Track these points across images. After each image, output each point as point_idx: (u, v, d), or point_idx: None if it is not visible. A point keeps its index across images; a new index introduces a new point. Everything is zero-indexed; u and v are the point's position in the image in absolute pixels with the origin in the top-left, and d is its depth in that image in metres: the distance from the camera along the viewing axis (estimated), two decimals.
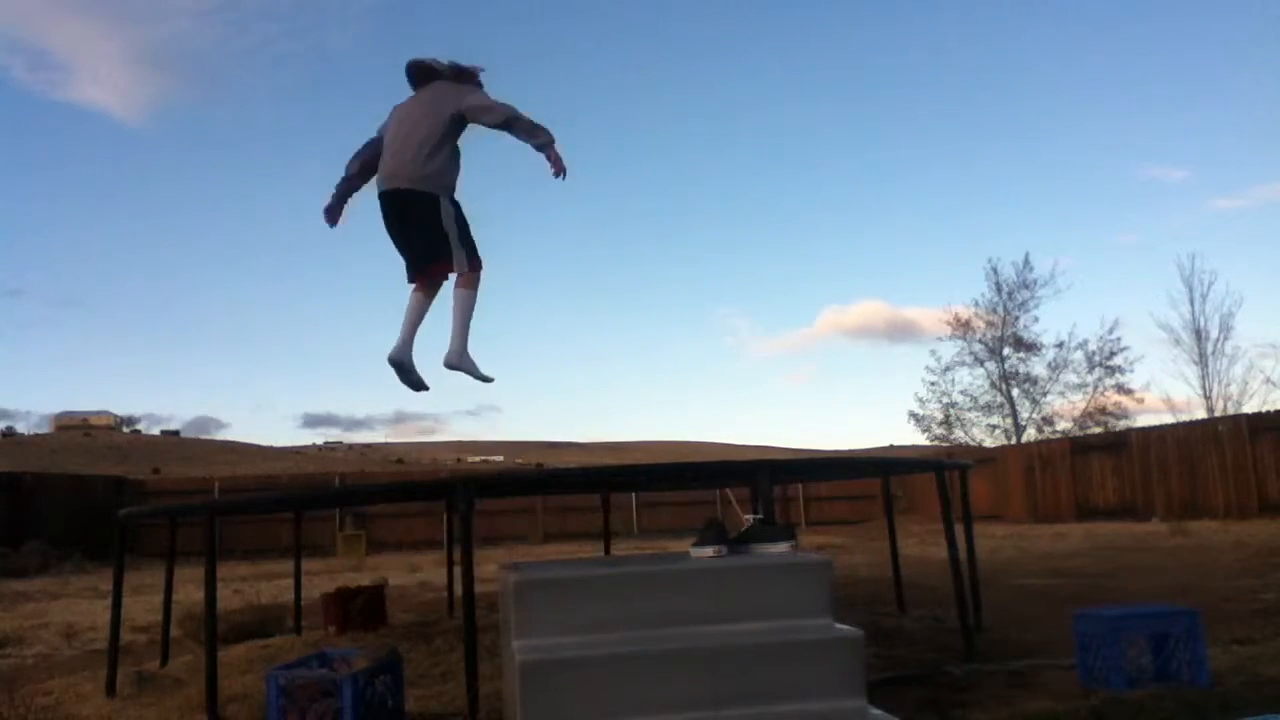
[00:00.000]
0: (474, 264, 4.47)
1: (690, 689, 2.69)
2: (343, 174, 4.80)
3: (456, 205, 4.52)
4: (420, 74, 4.68)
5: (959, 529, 4.87)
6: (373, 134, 4.80)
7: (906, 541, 9.48)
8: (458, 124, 4.51)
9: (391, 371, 4.55)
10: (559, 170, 4.40)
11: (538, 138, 4.39)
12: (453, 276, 4.52)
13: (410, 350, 4.53)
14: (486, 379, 4.58)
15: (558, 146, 4.41)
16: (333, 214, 4.83)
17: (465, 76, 4.63)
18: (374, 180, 4.63)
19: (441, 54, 4.71)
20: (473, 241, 4.53)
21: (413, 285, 4.57)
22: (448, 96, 4.51)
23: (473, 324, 4.70)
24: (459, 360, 4.44)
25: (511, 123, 4.42)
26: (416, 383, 4.58)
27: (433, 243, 4.43)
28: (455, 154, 4.56)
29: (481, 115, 4.45)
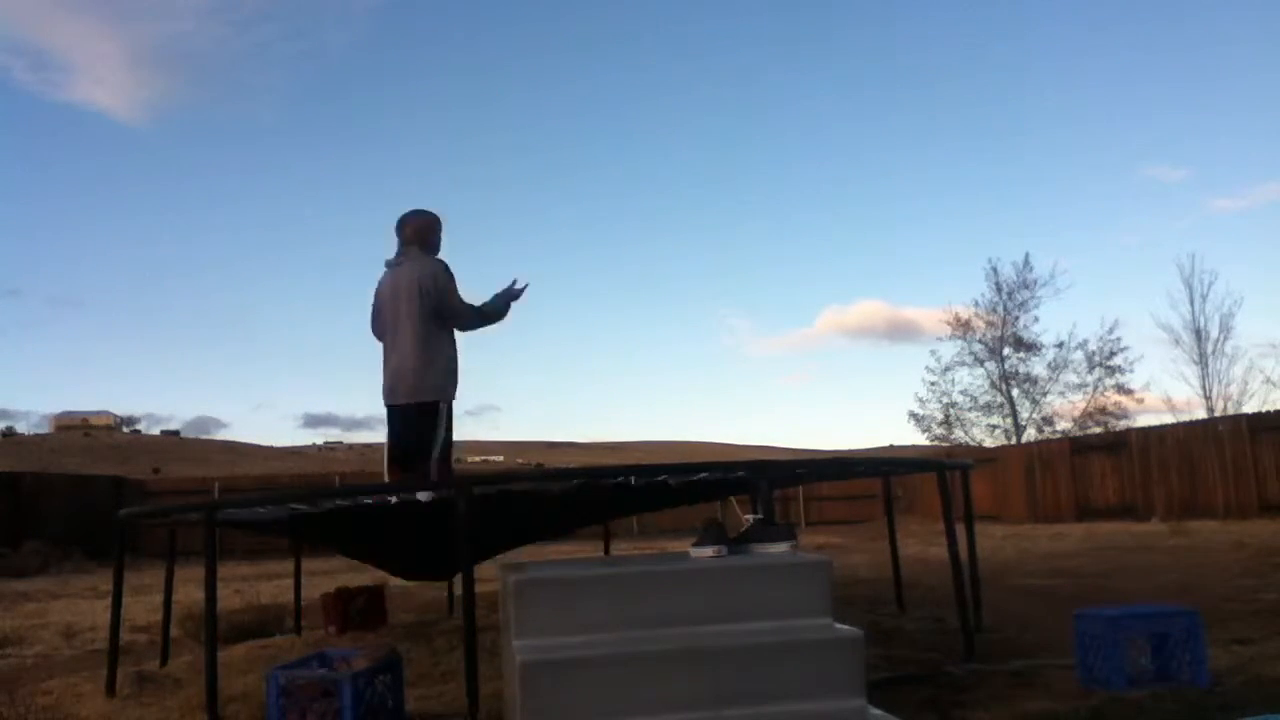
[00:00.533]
0: (441, 474, 4.56)
1: (690, 689, 2.69)
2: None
3: (450, 412, 4.69)
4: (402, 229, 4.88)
5: (960, 529, 4.87)
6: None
7: (906, 541, 9.47)
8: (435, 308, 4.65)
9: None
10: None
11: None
12: None
13: None
14: None
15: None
16: None
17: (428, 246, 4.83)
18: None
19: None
20: (449, 453, 4.68)
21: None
22: (415, 272, 4.67)
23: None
24: None
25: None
26: None
27: (420, 446, 4.60)
28: (448, 341, 4.75)
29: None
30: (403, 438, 4.65)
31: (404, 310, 4.63)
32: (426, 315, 4.61)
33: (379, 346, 4.86)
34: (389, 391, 4.70)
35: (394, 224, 4.85)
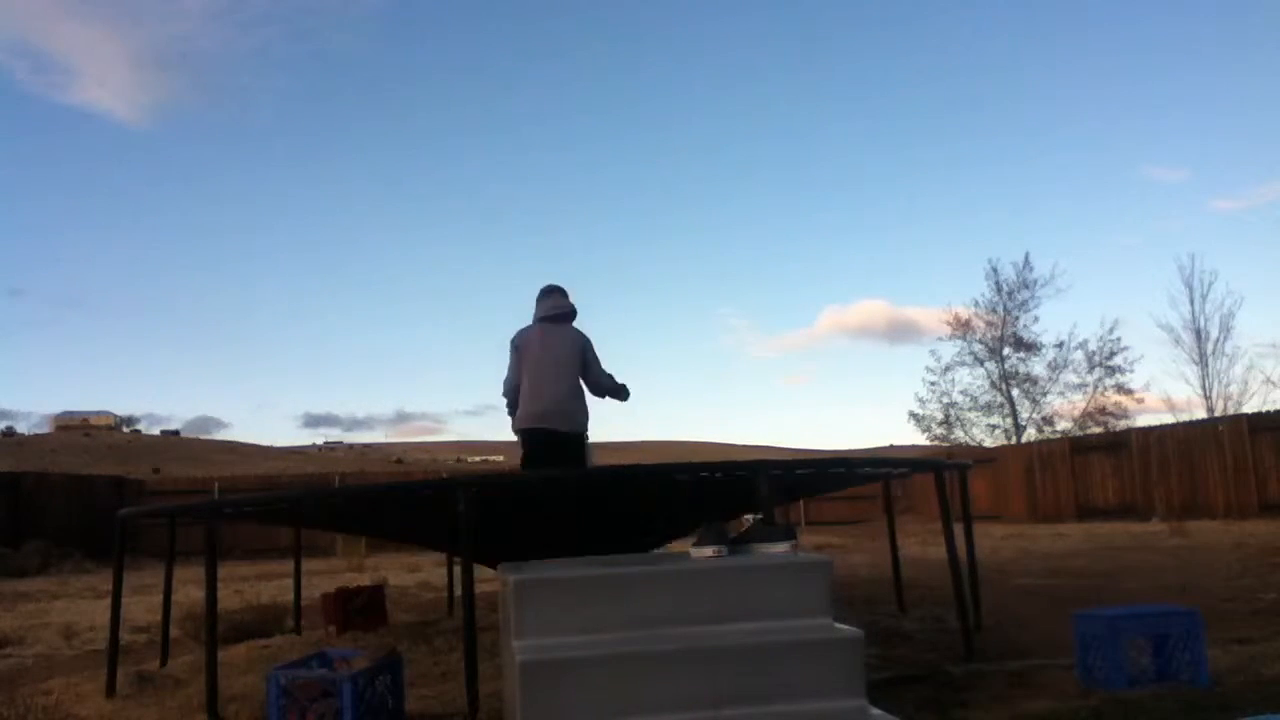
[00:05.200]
0: None
1: (690, 689, 2.68)
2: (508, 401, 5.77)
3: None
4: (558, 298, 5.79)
5: (959, 529, 4.87)
6: None
7: (906, 541, 9.46)
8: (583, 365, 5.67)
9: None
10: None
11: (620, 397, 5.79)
12: None
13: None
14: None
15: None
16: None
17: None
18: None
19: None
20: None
21: None
22: (578, 339, 5.68)
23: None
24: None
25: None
26: None
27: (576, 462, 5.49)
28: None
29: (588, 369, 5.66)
30: (549, 456, 5.46)
31: (565, 361, 5.61)
32: (581, 372, 5.67)
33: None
34: (540, 417, 5.51)
35: (542, 287, 5.83)
